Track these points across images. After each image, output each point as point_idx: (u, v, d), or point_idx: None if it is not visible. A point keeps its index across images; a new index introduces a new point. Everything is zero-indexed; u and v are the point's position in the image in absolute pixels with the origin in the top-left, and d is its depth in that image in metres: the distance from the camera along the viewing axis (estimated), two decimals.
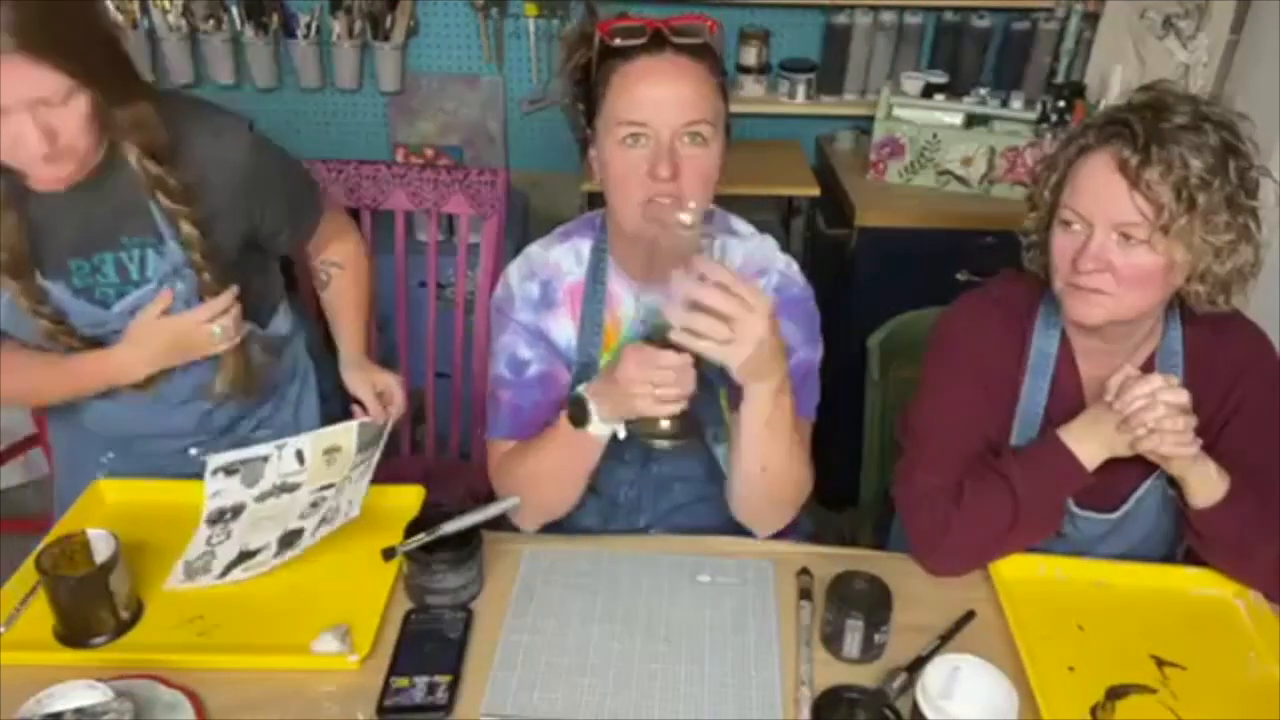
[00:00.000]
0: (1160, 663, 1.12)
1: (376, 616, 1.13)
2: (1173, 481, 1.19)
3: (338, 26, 2.48)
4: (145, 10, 2.45)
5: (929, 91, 2.33)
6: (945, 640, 1.12)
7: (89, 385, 1.27)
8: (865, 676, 1.07)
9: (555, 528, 1.30)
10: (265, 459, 1.24)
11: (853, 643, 1.09)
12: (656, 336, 1.03)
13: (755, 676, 1.08)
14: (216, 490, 1.24)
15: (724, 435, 1.26)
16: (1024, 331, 1.26)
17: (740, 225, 1.31)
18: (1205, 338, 1.22)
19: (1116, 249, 1.09)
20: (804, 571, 1.22)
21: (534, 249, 1.31)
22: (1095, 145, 1.11)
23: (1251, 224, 1.10)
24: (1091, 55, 2.40)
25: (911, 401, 1.32)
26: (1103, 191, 1.08)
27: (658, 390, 1.03)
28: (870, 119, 2.39)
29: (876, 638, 1.09)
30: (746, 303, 0.98)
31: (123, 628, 1.12)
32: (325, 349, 1.57)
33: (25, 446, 2.58)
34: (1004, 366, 1.26)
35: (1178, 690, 1.08)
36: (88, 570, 1.08)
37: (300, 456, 1.27)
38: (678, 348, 1.01)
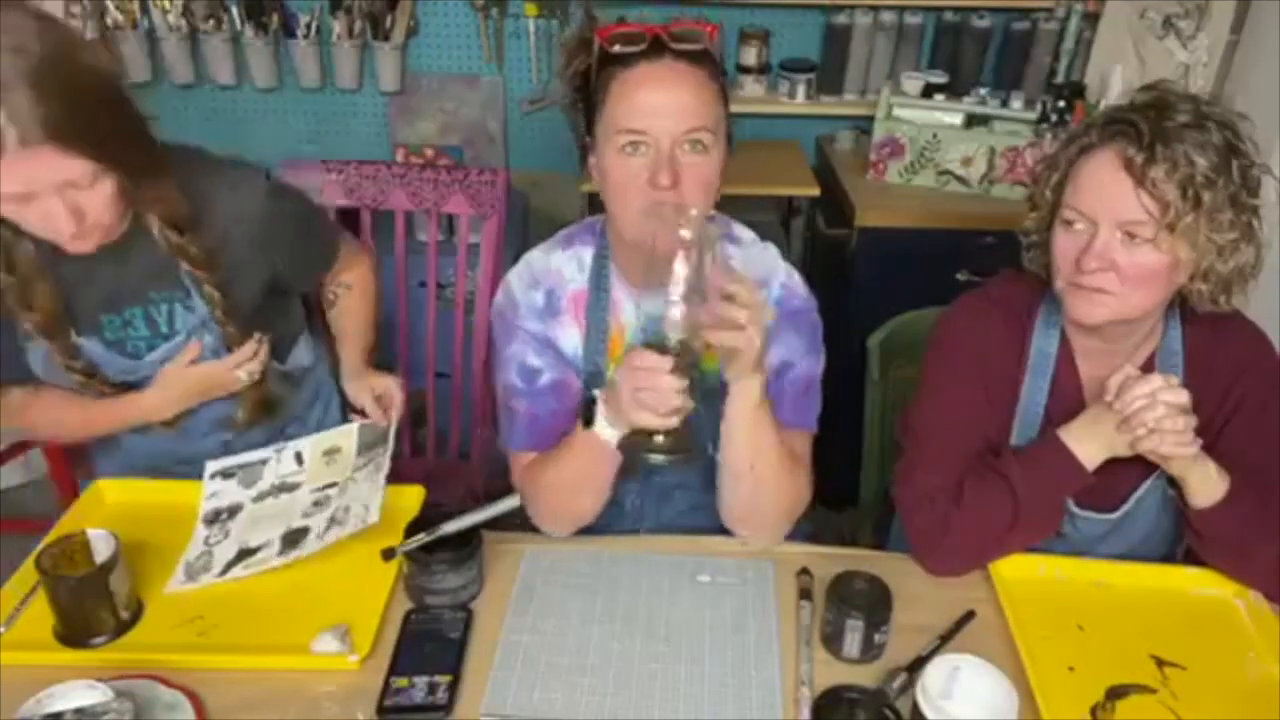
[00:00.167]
0: (1160, 663, 1.12)
1: (376, 616, 1.13)
2: (1173, 481, 1.19)
3: (338, 26, 2.48)
4: (145, 10, 2.46)
5: (929, 91, 2.33)
6: (945, 640, 1.12)
7: (120, 424, 1.34)
8: (865, 676, 1.07)
9: None
10: (264, 462, 1.27)
11: (853, 643, 1.09)
12: (656, 343, 1.01)
13: (755, 676, 1.08)
14: (214, 492, 1.26)
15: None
16: (1024, 331, 1.26)
17: (741, 232, 1.30)
18: (1205, 338, 1.22)
19: (1121, 248, 1.09)
20: (804, 571, 1.22)
21: (534, 255, 1.30)
22: (1098, 144, 1.11)
23: (1254, 222, 1.10)
24: (1091, 55, 2.40)
25: (911, 401, 1.32)
26: (1108, 190, 1.08)
27: (641, 393, 1.01)
28: (870, 119, 2.39)
29: (876, 638, 1.09)
30: (756, 290, 1.04)
31: (123, 628, 1.12)
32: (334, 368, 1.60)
33: (25, 446, 2.58)
34: (1004, 366, 1.26)
35: (1178, 690, 1.08)
36: (88, 570, 1.08)
37: (299, 458, 1.29)
38: (678, 354, 1.00)
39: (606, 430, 1.12)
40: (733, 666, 1.09)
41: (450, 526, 1.15)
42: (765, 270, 1.27)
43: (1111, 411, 1.12)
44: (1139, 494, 1.25)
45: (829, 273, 2.42)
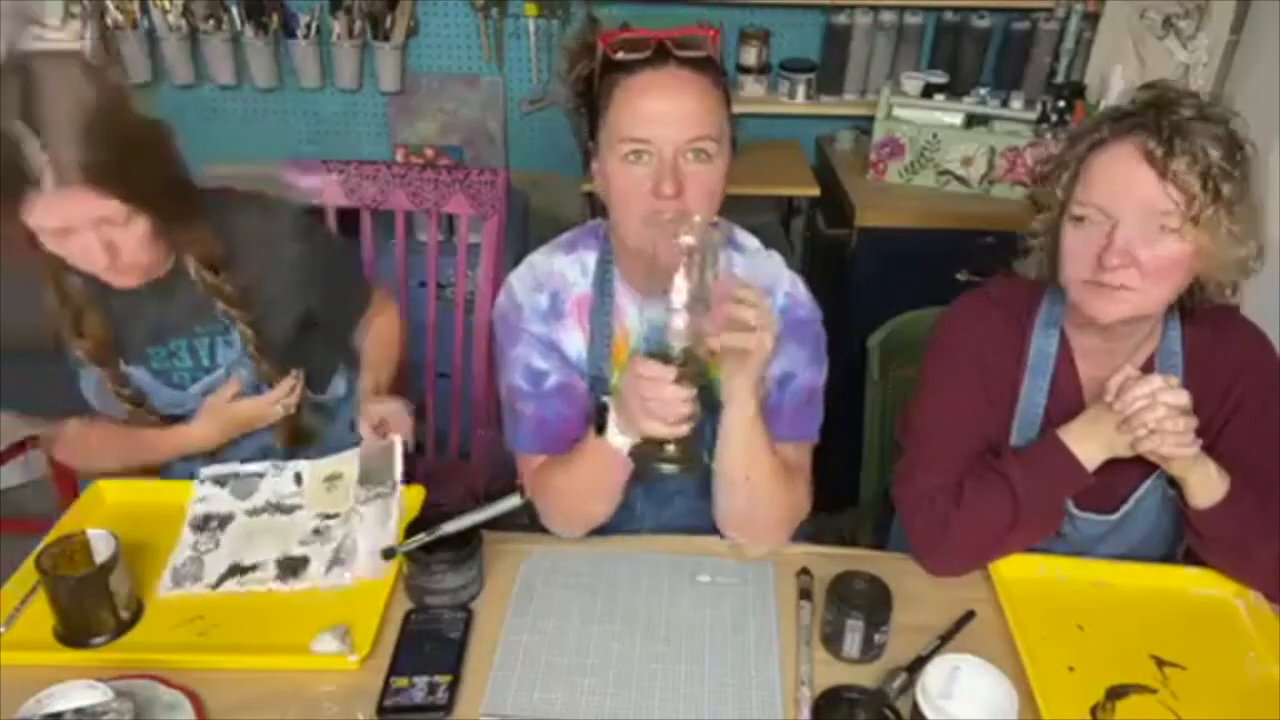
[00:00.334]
0: (1160, 663, 1.12)
1: (376, 616, 1.13)
2: (1173, 482, 1.19)
3: (338, 26, 2.48)
4: (145, 10, 2.45)
5: (929, 91, 2.33)
6: (945, 640, 1.12)
7: (169, 454, 1.40)
8: (865, 676, 1.07)
9: None
10: (260, 476, 1.31)
11: (853, 643, 1.09)
12: (660, 352, 1.01)
13: (755, 676, 1.08)
14: (203, 496, 1.29)
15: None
16: (1024, 331, 1.26)
17: (746, 240, 1.30)
18: (1205, 338, 1.22)
19: (1142, 241, 1.08)
20: (804, 571, 1.22)
21: (536, 258, 1.30)
22: (1110, 139, 1.10)
23: (1259, 215, 1.10)
24: (1091, 55, 2.40)
25: (911, 401, 1.32)
26: (1131, 182, 1.08)
27: (649, 403, 1.01)
28: (870, 119, 2.39)
29: (876, 638, 1.09)
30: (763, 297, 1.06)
31: (123, 628, 1.12)
32: None
33: (25, 446, 2.57)
34: (1004, 366, 1.26)
35: (1178, 690, 1.08)
36: (88, 570, 1.08)
37: (298, 478, 1.32)
38: (682, 363, 1.00)
39: (618, 438, 1.11)
40: (733, 666, 1.09)
41: (450, 526, 1.15)
42: (770, 279, 1.26)
43: (1111, 412, 1.12)
44: (1139, 494, 1.25)
45: (829, 273, 2.42)
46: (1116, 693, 1.07)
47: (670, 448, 1.05)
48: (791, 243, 2.68)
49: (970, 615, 1.16)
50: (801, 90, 2.52)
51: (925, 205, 2.31)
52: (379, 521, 1.24)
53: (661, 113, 1.09)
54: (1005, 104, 2.29)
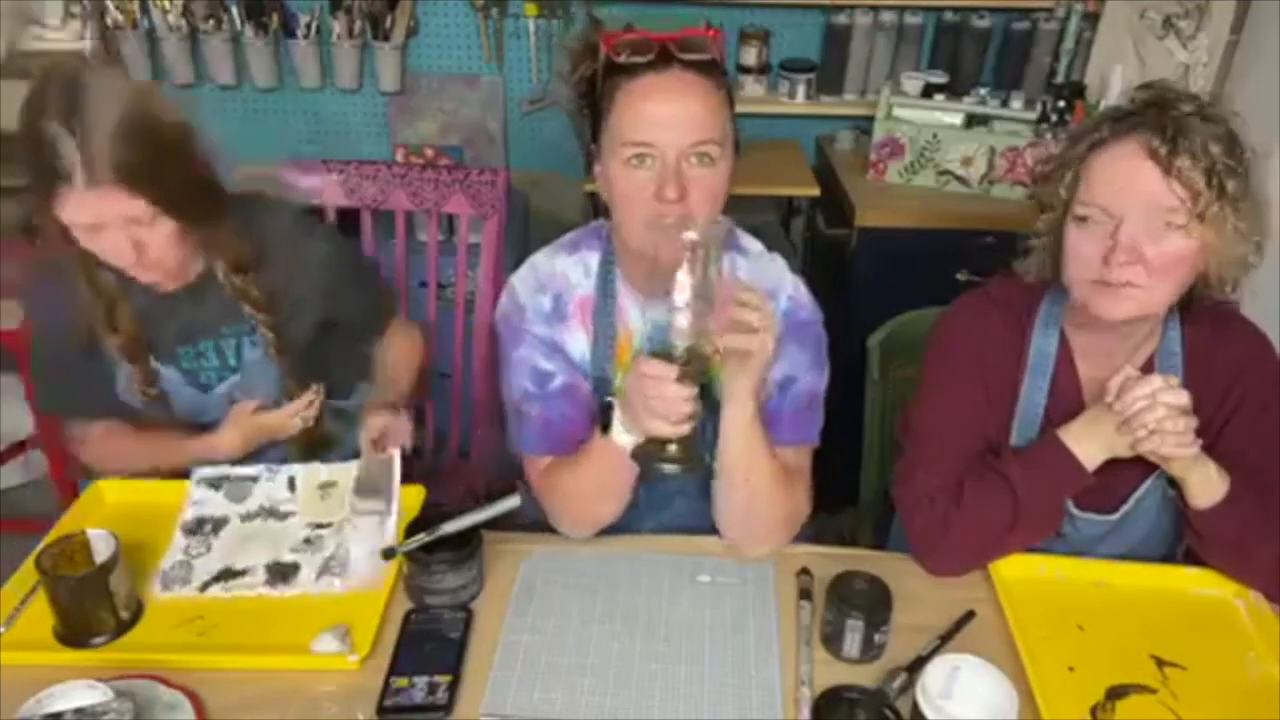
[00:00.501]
0: (1160, 663, 1.12)
1: (376, 616, 1.13)
2: (1173, 482, 1.19)
3: (338, 26, 2.48)
4: (145, 10, 2.45)
5: (929, 91, 2.33)
6: (945, 640, 1.12)
7: (194, 461, 1.40)
8: (865, 676, 1.07)
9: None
10: (254, 479, 1.32)
11: (853, 643, 1.09)
12: (663, 352, 1.01)
13: (755, 676, 1.08)
14: (198, 499, 1.29)
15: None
16: (1024, 331, 1.26)
17: (749, 243, 1.29)
18: (1205, 338, 1.22)
19: (1148, 238, 1.08)
20: (804, 571, 1.22)
21: (539, 259, 1.29)
22: (1112, 138, 1.10)
23: (1262, 211, 1.10)
24: (1091, 55, 2.40)
25: (911, 401, 1.32)
26: (1134, 179, 1.08)
27: (652, 401, 1.01)
28: (870, 119, 2.39)
29: (876, 638, 1.09)
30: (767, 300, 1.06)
31: (123, 628, 1.12)
32: None
33: (25, 447, 2.58)
34: (1004, 366, 1.26)
35: (1178, 690, 1.08)
36: (88, 570, 1.08)
37: (291, 484, 1.32)
38: (685, 363, 1.00)
39: (623, 437, 1.11)
40: (733, 666, 1.09)
41: (450, 526, 1.15)
42: (773, 282, 1.26)
43: (1112, 412, 1.12)
44: (1139, 494, 1.25)
45: (829, 273, 2.42)
46: (1116, 693, 1.07)
47: (673, 447, 1.05)
48: (793, 243, 2.68)
49: (970, 615, 1.16)
50: (801, 90, 2.52)
51: (925, 205, 2.31)
52: (373, 535, 1.23)
53: (665, 117, 1.08)
54: (1005, 104, 2.29)
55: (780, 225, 2.66)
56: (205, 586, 1.19)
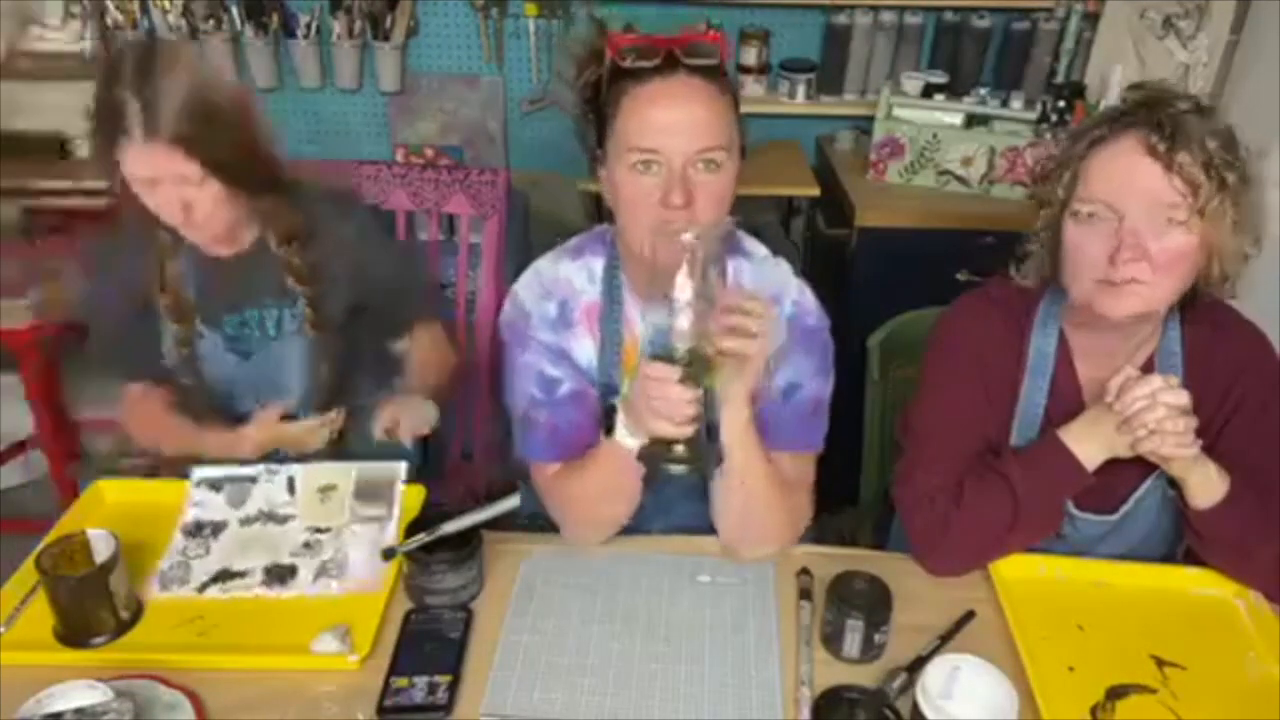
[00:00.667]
0: (1160, 663, 1.12)
1: (376, 616, 1.13)
2: (1173, 482, 1.19)
3: (338, 26, 2.48)
4: (145, 10, 2.45)
5: (929, 91, 2.33)
6: (945, 640, 1.12)
7: (219, 452, 1.42)
8: (865, 676, 1.07)
9: (557, 528, 1.29)
10: (253, 480, 1.31)
11: (853, 643, 1.09)
12: (664, 354, 1.01)
13: (755, 676, 1.08)
14: (198, 501, 1.29)
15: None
16: (1023, 331, 1.26)
17: (754, 247, 1.28)
18: (1204, 338, 1.22)
19: (1150, 234, 1.08)
20: (804, 571, 1.22)
21: (542, 264, 1.29)
22: (1111, 135, 1.10)
23: (1260, 206, 1.11)
24: (1091, 55, 2.40)
25: (911, 401, 1.32)
26: (1135, 175, 1.08)
27: (655, 403, 1.01)
28: (870, 119, 2.39)
29: (876, 638, 1.09)
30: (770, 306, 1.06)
31: (123, 628, 1.12)
32: None
33: (25, 447, 2.58)
34: (1004, 366, 1.26)
35: (1178, 690, 1.08)
36: (88, 570, 1.09)
37: (291, 485, 1.31)
38: (687, 364, 1.00)
39: (627, 439, 1.11)
40: (733, 666, 1.09)
41: (450, 526, 1.15)
42: (777, 287, 1.26)
43: (1111, 412, 1.12)
44: (1139, 495, 1.25)
45: (829, 273, 2.42)
46: (1116, 693, 1.07)
47: (678, 448, 1.05)
48: (794, 243, 2.68)
49: (970, 615, 1.16)
50: (801, 90, 2.52)
51: (925, 205, 2.31)
52: (372, 540, 1.23)
53: (671, 123, 1.07)
54: (1005, 104, 2.29)
55: (780, 225, 2.66)
56: (203, 587, 1.19)
